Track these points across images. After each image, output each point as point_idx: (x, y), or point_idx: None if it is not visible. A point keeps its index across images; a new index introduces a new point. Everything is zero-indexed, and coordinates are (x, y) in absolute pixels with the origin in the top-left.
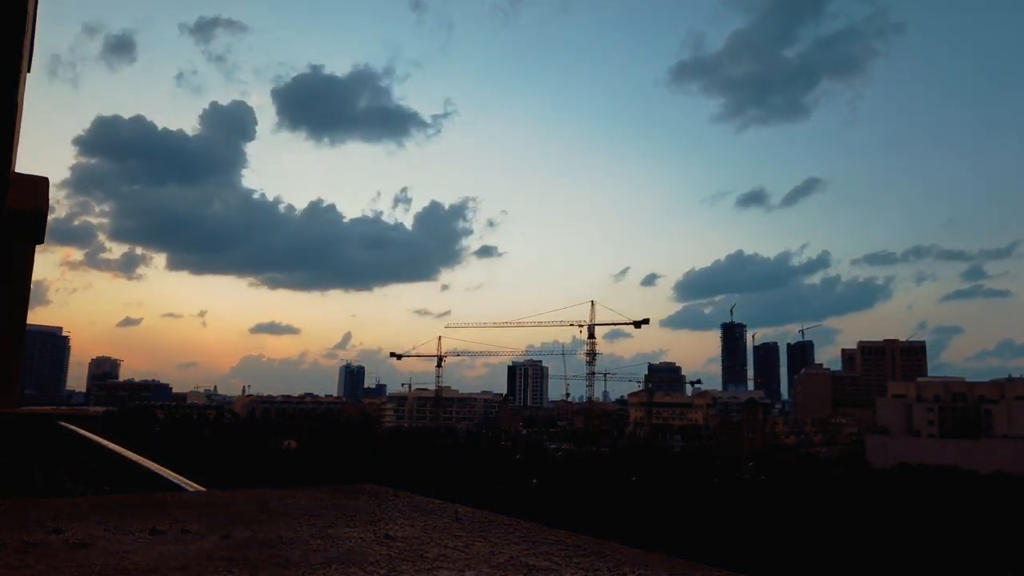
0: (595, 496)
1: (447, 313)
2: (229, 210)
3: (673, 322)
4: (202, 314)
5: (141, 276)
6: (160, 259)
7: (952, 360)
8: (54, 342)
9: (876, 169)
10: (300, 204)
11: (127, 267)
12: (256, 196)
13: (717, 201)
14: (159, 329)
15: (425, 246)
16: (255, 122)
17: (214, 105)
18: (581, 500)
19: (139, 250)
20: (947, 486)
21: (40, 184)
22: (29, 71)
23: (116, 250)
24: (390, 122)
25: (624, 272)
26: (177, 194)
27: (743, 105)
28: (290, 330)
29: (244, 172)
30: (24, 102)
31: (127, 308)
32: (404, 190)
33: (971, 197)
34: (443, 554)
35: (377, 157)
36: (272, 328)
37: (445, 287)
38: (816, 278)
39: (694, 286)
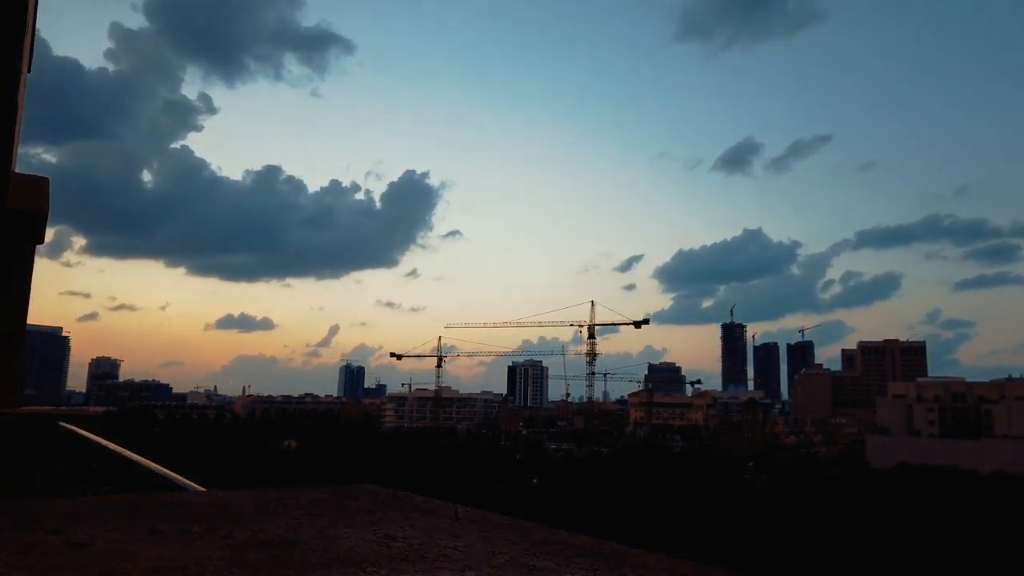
0: (595, 496)
1: (424, 308)
2: (155, 177)
3: (663, 317)
4: (164, 308)
5: (76, 264)
6: (78, 241)
7: (964, 360)
8: (54, 342)
9: (887, 121)
10: (233, 170)
11: (54, 251)
12: (172, 153)
13: (700, 162)
14: (125, 324)
15: (377, 228)
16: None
17: (117, 27)
18: (581, 500)
19: (71, 235)
20: (947, 486)
21: (40, 184)
22: (29, 71)
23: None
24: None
25: (604, 256)
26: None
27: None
28: (266, 325)
29: (158, 123)
30: (24, 102)
31: (75, 300)
32: (382, 166)
33: (996, 159)
34: (443, 554)
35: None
36: (244, 323)
37: (413, 274)
38: (817, 270)
39: (686, 275)
